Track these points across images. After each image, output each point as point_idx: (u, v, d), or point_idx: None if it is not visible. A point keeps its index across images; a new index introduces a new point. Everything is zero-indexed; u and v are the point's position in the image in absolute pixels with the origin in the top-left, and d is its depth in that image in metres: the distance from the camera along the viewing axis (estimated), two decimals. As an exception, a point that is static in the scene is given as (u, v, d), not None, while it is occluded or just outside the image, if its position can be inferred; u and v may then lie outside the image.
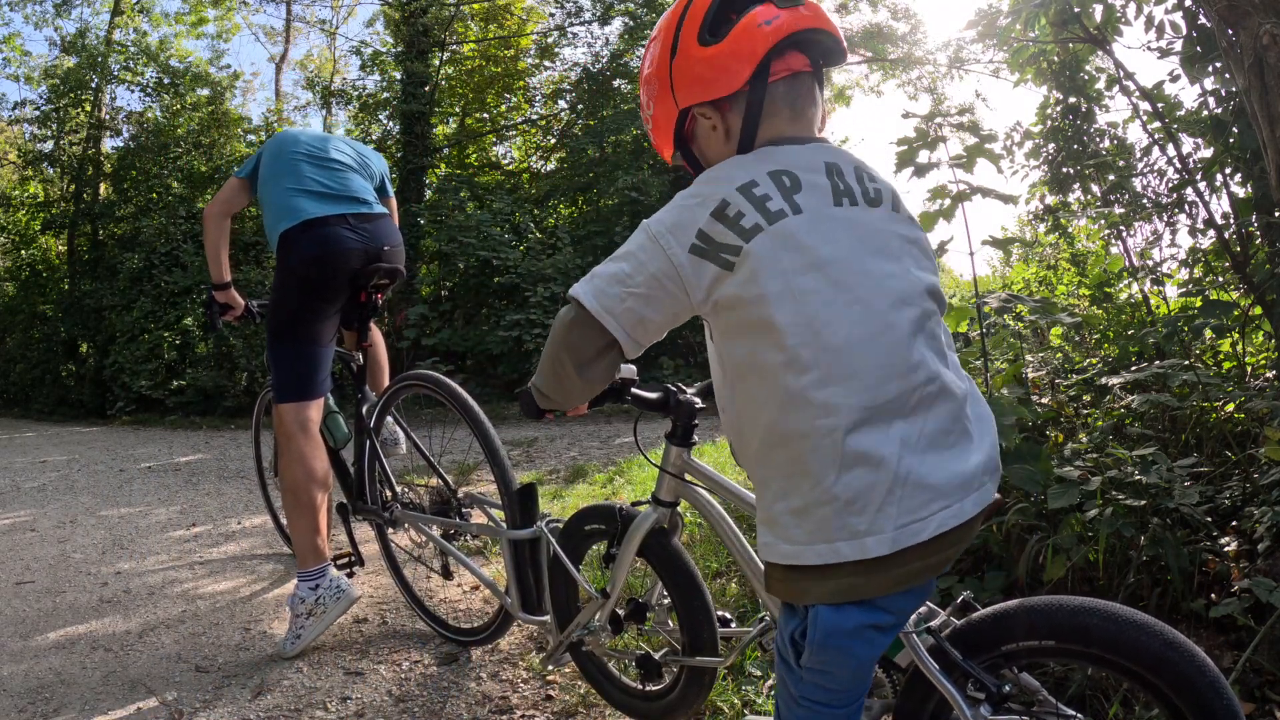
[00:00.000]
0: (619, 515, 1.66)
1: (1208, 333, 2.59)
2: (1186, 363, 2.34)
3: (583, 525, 1.79)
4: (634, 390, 1.39)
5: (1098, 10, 2.98)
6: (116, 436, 8.34)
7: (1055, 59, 3.34)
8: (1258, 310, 2.55)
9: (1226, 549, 1.84)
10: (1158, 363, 2.38)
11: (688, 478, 1.54)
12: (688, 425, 1.51)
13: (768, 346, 0.93)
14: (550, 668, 2.08)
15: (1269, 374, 2.73)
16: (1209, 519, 1.95)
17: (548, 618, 1.99)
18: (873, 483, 0.91)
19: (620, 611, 1.70)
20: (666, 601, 1.67)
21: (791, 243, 0.95)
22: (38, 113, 12.81)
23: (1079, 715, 1.10)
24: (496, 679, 2.12)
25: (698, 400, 1.50)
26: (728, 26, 1.01)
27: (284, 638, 2.35)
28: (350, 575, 2.54)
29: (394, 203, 2.77)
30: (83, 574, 3.20)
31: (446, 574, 2.50)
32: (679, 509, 1.60)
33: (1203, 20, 2.64)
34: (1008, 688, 1.08)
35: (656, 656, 1.65)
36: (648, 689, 1.72)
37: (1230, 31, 2.04)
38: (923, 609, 1.24)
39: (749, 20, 1.00)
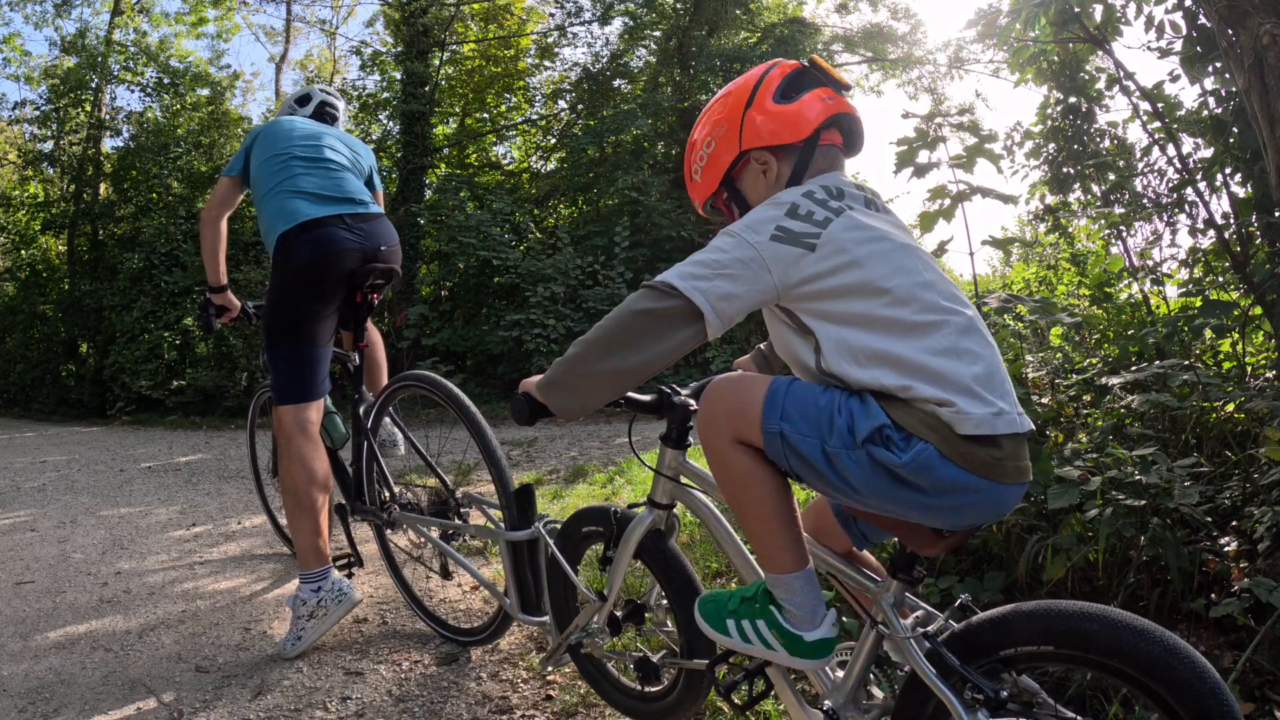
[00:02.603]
0: (614, 518, 1.65)
1: (1208, 333, 2.59)
2: (1186, 363, 2.34)
3: (580, 527, 1.78)
4: (627, 393, 1.37)
5: (1098, 10, 2.98)
6: (116, 436, 8.34)
7: (1055, 59, 3.34)
8: (1258, 310, 2.55)
9: (1226, 549, 1.84)
10: (1158, 363, 2.38)
11: (683, 480, 1.54)
12: (682, 428, 1.51)
13: (868, 295, 1.11)
14: (550, 669, 2.08)
15: (1269, 374, 2.73)
16: (1209, 519, 1.95)
17: (547, 618, 1.99)
18: (988, 372, 1.09)
19: (618, 613, 1.70)
20: (664, 603, 1.67)
21: (857, 224, 1.16)
22: (38, 113, 12.81)
23: (1078, 717, 1.10)
24: (496, 679, 2.12)
25: (692, 402, 1.49)
26: (798, 94, 1.25)
27: (285, 638, 2.35)
28: (349, 576, 2.55)
29: (381, 196, 2.75)
30: (83, 574, 3.20)
31: (445, 574, 2.49)
32: (676, 511, 1.59)
33: (1203, 20, 2.64)
34: (1005, 693, 1.07)
35: (654, 659, 1.64)
36: (647, 690, 1.72)
37: (1230, 31, 2.04)
38: (920, 612, 1.24)
39: (818, 92, 1.25)
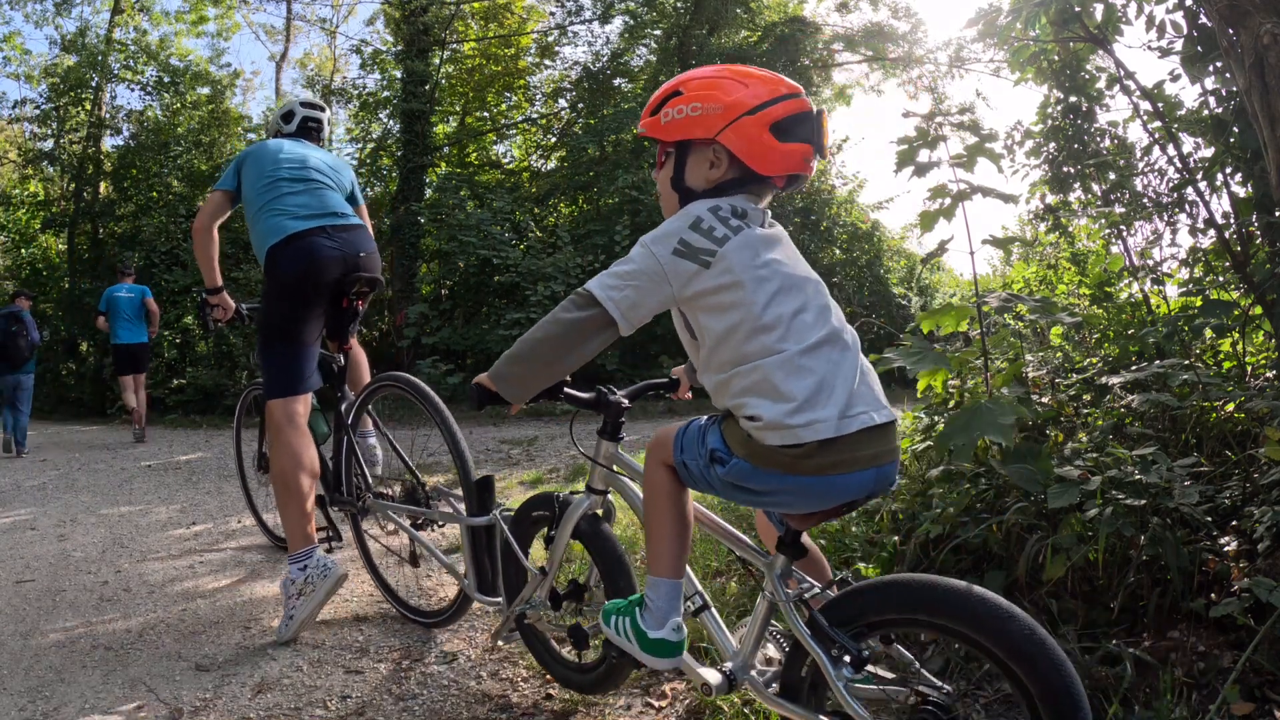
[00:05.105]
0: (558, 502, 1.85)
1: (1208, 333, 2.59)
2: (1186, 363, 2.34)
3: (530, 512, 1.97)
4: (566, 390, 1.56)
5: (1098, 9, 2.98)
6: (116, 436, 8.34)
7: (1055, 58, 3.34)
8: (1258, 310, 2.55)
9: (1226, 549, 1.84)
10: (1158, 363, 2.38)
11: (615, 469, 1.76)
12: (616, 422, 1.72)
13: (743, 318, 1.29)
14: (500, 642, 2.28)
15: (1269, 374, 2.73)
16: (1209, 519, 1.95)
17: (501, 598, 2.15)
18: (819, 386, 1.25)
19: (559, 590, 1.88)
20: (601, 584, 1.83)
21: (751, 244, 1.32)
22: (38, 111, 12.82)
23: (945, 685, 1.26)
24: (496, 678, 2.13)
25: (625, 401, 1.72)
26: (791, 138, 1.33)
27: (279, 623, 2.45)
28: (330, 550, 2.78)
29: (365, 209, 3.02)
30: (83, 572, 3.20)
31: (414, 562, 2.67)
32: (610, 497, 1.81)
33: (1203, 20, 2.64)
34: (866, 652, 1.26)
35: (585, 627, 1.78)
36: (583, 662, 1.89)
37: (1231, 31, 2.04)
38: (806, 585, 1.45)
39: (803, 149, 1.35)
